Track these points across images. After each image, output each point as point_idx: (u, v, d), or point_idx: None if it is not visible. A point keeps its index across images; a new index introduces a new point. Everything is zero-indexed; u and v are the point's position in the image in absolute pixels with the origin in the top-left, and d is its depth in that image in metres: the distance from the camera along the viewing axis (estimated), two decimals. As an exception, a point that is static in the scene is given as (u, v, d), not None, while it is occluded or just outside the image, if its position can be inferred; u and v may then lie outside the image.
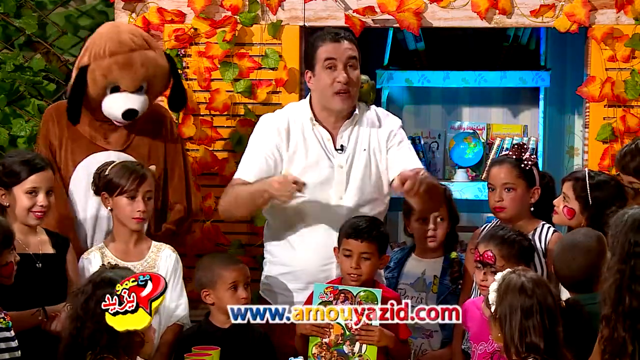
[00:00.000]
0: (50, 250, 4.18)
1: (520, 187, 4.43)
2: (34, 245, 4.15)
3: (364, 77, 4.51)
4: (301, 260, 4.29)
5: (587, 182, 4.18)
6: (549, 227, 4.42)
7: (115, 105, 4.50)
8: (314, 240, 4.26)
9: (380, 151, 4.33)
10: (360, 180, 4.28)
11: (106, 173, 4.31)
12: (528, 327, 3.34)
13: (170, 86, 4.67)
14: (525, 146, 4.57)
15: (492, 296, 3.45)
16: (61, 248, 4.22)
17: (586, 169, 4.49)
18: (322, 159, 4.28)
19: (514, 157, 4.47)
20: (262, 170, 4.24)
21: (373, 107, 4.47)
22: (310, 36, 4.51)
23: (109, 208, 4.33)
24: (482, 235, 4.25)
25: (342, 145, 4.30)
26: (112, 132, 4.59)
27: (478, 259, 4.10)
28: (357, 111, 4.32)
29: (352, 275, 4.04)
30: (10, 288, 3.76)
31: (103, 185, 4.31)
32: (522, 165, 4.44)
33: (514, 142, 5.53)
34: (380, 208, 4.34)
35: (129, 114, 4.50)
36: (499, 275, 3.51)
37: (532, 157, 4.49)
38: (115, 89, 4.50)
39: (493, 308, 3.43)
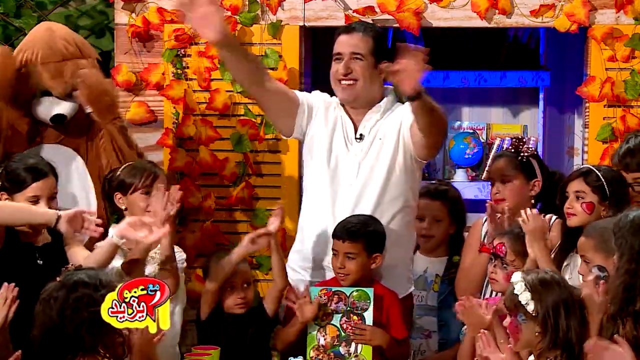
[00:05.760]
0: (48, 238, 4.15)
1: (517, 179, 4.43)
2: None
3: None
4: (307, 240, 4.29)
5: (598, 172, 4.17)
6: (551, 216, 4.40)
7: (45, 109, 4.65)
8: (319, 224, 4.25)
9: (399, 135, 4.24)
10: (370, 168, 4.22)
11: (117, 174, 4.34)
12: (570, 319, 3.37)
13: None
14: (524, 139, 4.59)
15: (526, 296, 3.42)
16: (58, 235, 4.16)
17: (587, 165, 4.50)
18: (340, 145, 4.26)
19: (512, 149, 4.49)
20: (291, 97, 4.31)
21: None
22: None
23: (123, 208, 4.34)
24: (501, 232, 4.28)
25: (361, 135, 4.26)
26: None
27: (492, 251, 4.12)
28: (382, 103, 4.27)
29: (339, 274, 4.09)
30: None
31: (115, 186, 4.33)
32: (519, 158, 4.45)
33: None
34: (399, 198, 4.25)
35: (57, 118, 4.64)
36: (515, 277, 3.49)
37: (531, 149, 4.50)
38: (46, 92, 4.65)
39: (530, 307, 3.41)
